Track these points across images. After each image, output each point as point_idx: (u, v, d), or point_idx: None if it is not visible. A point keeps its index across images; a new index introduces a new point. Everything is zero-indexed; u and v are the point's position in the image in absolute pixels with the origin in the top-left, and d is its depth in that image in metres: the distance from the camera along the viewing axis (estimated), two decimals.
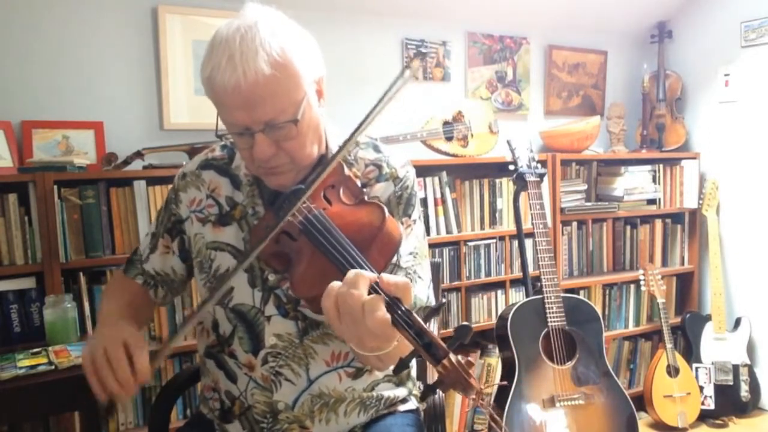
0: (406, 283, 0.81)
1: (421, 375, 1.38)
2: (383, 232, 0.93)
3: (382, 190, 1.10)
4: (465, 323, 0.75)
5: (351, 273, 0.80)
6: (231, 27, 0.95)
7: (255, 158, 1.00)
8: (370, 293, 0.79)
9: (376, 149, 1.15)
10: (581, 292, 2.78)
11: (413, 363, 1.29)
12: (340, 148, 0.96)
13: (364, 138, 1.17)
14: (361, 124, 0.93)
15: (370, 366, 1.09)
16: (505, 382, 2.12)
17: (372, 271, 0.85)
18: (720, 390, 2.75)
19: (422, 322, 0.76)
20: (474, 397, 0.74)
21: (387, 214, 0.94)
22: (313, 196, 0.99)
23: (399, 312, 0.77)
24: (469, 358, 0.75)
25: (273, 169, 1.02)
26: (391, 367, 0.99)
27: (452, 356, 0.74)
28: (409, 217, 1.12)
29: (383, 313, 0.76)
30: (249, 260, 0.94)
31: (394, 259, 1.06)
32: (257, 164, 1.02)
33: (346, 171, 1.06)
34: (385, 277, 0.81)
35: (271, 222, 0.97)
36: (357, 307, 0.77)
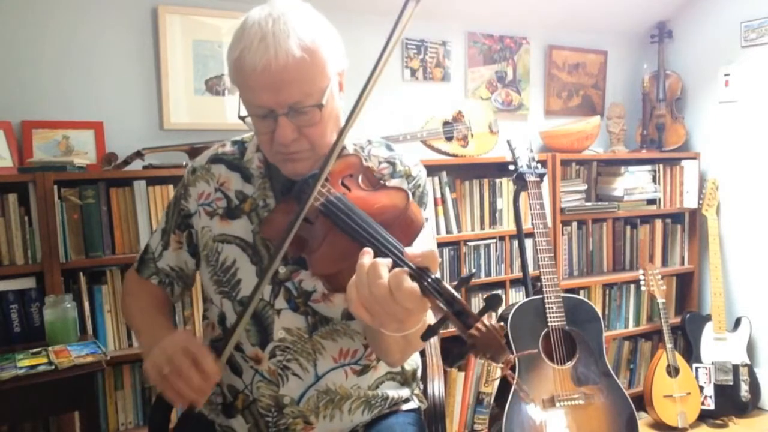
0: (431, 251, 0.79)
1: (424, 375, 1.37)
2: (407, 214, 0.90)
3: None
4: (496, 293, 0.73)
5: (364, 264, 0.77)
6: (263, 12, 0.97)
7: (275, 142, 1.00)
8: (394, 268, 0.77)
9: (389, 148, 1.17)
10: (581, 292, 2.78)
11: (418, 363, 1.29)
12: (360, 95, 0.92)
13: (375, 137, 1.19)
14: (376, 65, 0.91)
15: (392, 363, 1.09)
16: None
17: (395, 245, 0.82)
18: (720, 390, 2.74)
19: (452, 290, 0.75)
20: (503, 365, 0.73)
21: (411, 197, 0.93)
22: (331, 182, 0.99)
23: (428, 280, 0.76)
24: (502, 323, 0.73)
25: (291, 155, 1.02)
26: (400, 362, 0.97)
27: (485, 320, 0.73)
28: None
29: (409, 283, 0.74)
30: (284, 249, 0.90)
31: None
32: (276, 149, 1.02)
33: (365, 162, 1.06)
34: (409, 250, 0.79)
35: (293, 208, 0.95)
36: (384, 293, 0.75)
